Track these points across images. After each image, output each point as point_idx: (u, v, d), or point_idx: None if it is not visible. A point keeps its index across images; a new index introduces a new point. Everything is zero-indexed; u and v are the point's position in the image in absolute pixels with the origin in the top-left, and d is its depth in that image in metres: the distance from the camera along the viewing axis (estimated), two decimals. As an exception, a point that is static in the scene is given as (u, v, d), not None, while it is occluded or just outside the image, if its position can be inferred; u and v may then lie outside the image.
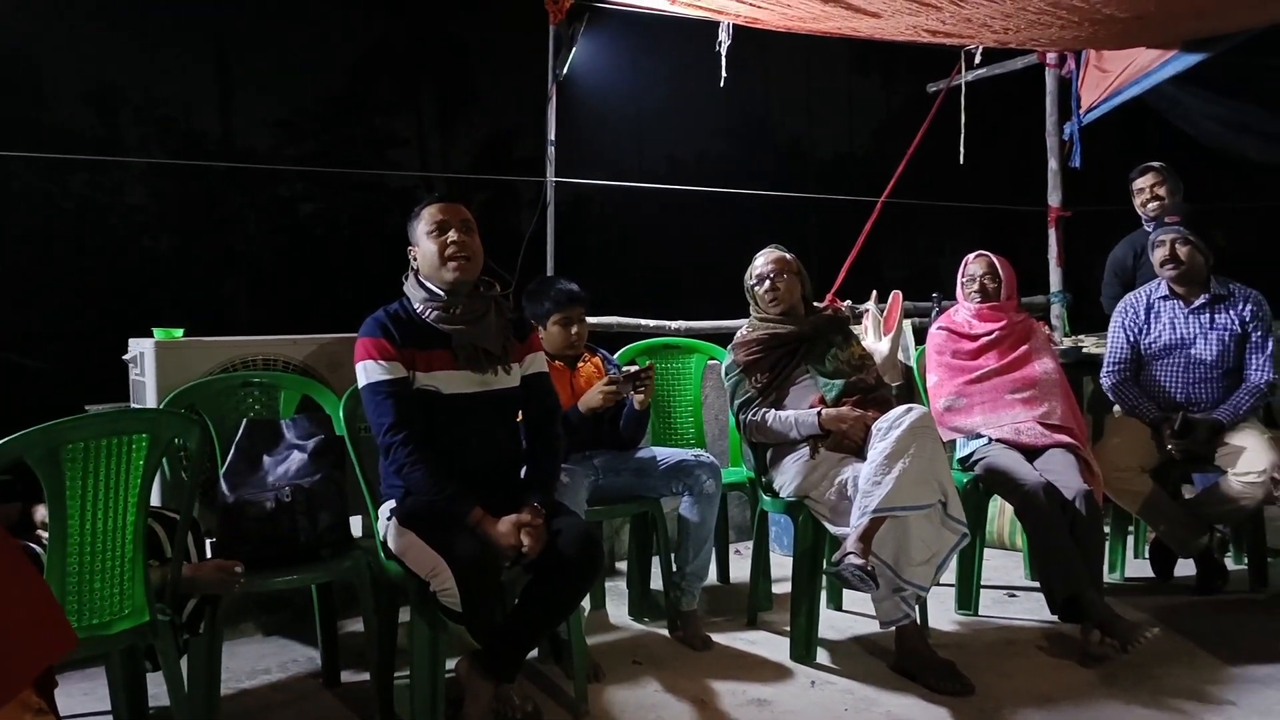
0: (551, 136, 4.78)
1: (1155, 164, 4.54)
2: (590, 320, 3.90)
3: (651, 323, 4.80)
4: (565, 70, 4.74)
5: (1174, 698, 2.90)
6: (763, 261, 3.48)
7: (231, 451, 2.86)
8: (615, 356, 3.77)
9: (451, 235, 2.78)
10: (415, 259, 2.86)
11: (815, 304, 3.59)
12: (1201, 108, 5.43)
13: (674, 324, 4.83)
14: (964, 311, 3.86)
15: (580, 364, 3.49)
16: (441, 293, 2.80)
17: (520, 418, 2.95)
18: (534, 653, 3.15)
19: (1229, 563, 3.99)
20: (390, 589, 2.87)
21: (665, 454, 3.47)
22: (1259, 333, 3.80)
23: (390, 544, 2.71)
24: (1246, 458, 3.58)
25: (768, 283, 3.44)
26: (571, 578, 2.64)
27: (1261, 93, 5.22)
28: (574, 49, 4.70)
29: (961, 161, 5.72)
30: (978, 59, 5.62)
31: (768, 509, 3.50)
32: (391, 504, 2.76)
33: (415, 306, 2.82)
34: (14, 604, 1.62)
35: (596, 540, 2.72)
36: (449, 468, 2.67)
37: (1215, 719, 2.78)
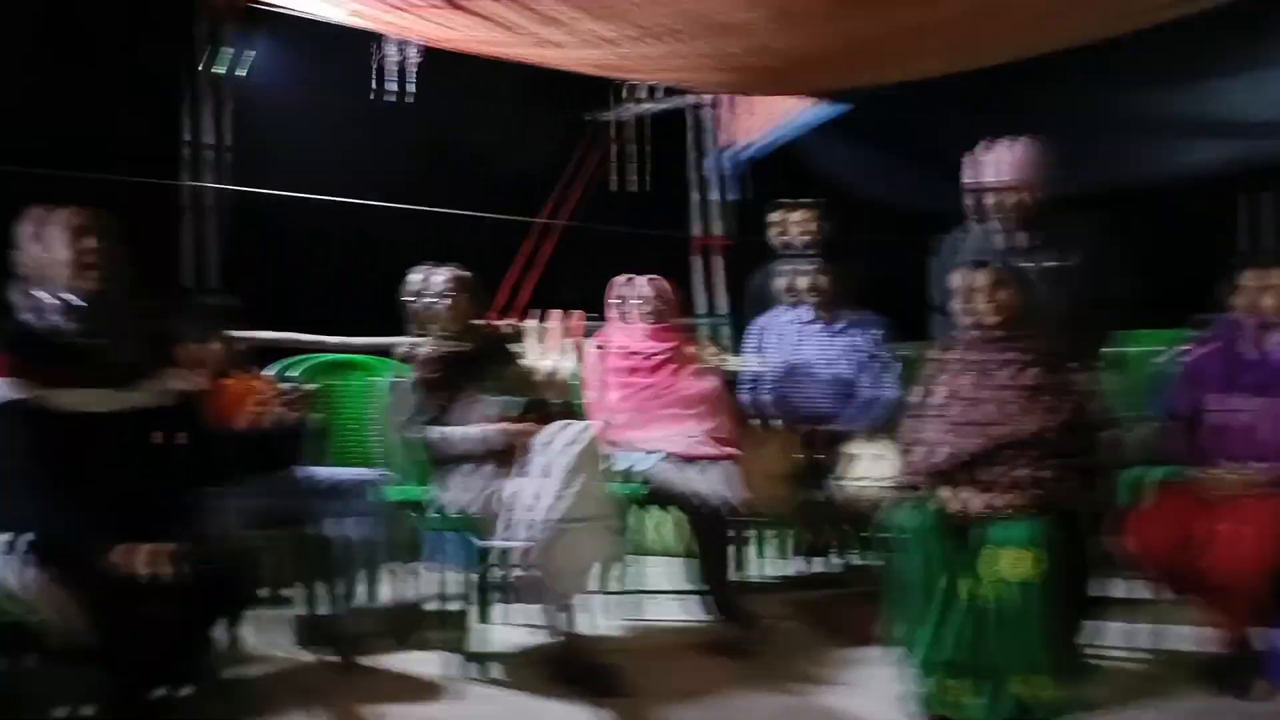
0: (211, 140, 4.52)
1: (790, 200, 4.92)
2: (252, 334, 3.73)
3: (314, 338, 4.63)
4: (233, 72, 4.49)
5: (800, 682, 3.21)
6: (438, 279, 3.49)
7: None
8: (275, 372, 3.62)
9: (87, 242, 2.57)
10: (30, 265, 2.60)
11: (487, 322, 3.64)
12: (839, 153, 5.97)
13: (340, 339, 4.68)
14: (630, 330, 4.05)
15: (233, 381, 3.31)
16: (70, 303, 2.57)
17: (164, 440, 2.75)
18: (191, 689, 2.94)
19: (857, 559, 4.44)
20: (11, 632, 2.57)
21: (328, 474, 3.38)
22: (881, 353, 4.27)
23: (10, 581, 2.43)
24: (862, 465, 4.01)
25: (446, 300, 3.45)
26: (217, 608, 2.51)
27: (889, 140, 5.82)
28: (242, 51, 4.47)
29: (638, 189, 6.04)
30: (636, 93, 5.96)
31: (435, 527, 3.48)
32: (7, 537, 2.47)
33: (39, 318, 2.57)
34: None
35: (244, 569, 2.60)
36: (77, 498, 2.46)
37: (829, 699, 3.11)
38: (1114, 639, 3.25)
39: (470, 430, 3.35)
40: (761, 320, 4.44)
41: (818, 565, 4.43)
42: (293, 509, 3.32)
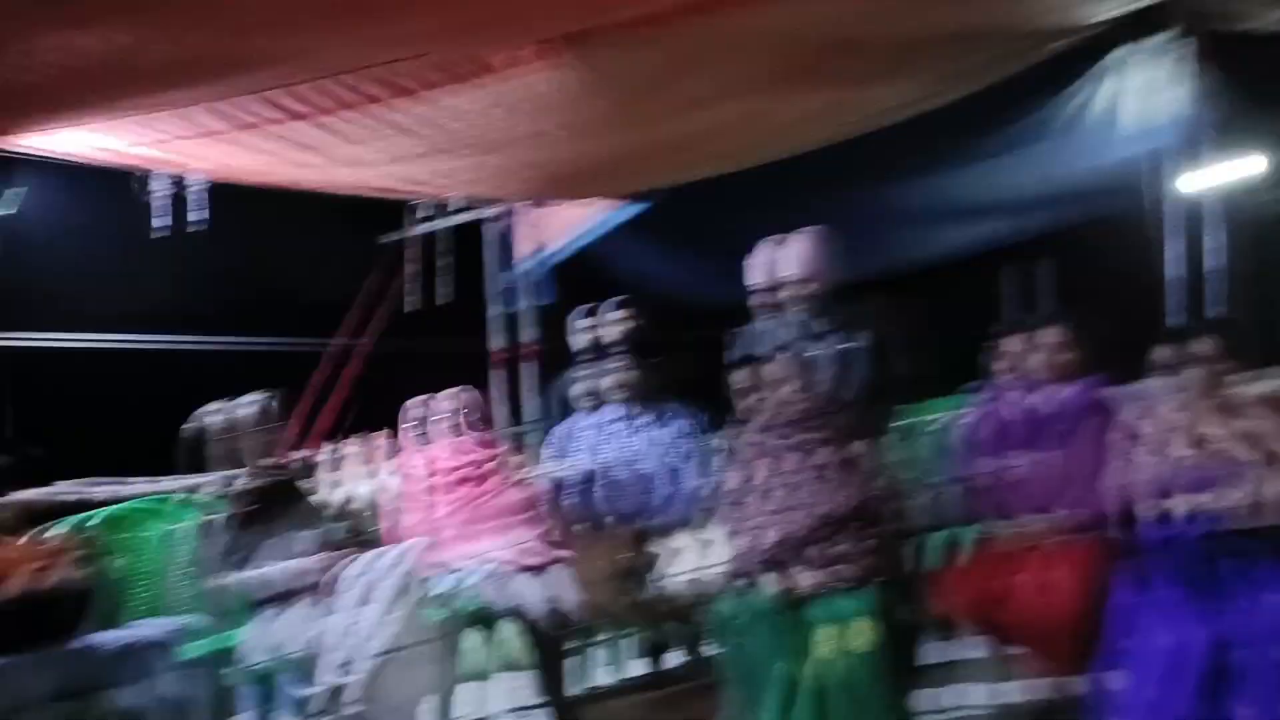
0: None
1: (592, 305, 4.81)
2: (36, 492, 3.46)
3: (104, 488, 4.31)
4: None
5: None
6: (244, 413, 3.37)
7: None
8: (67, 529, 3.35)
9: None
10: None
11: (276, 460, 3.50)
12: (640, 253, 5.99)
13: (134, 486, 4.38)
14: (436, 448, 3.98)
15: (4, 546, 3.04)
16: None
17: None
18: None
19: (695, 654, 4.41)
20: None
21: (116, 636, 3.12)
22: (692, 444, 4.32)
23: None
24: (682, 559, 4.03)
25: (255, 435, 3.32)
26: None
27: (688, 239, 5.85)
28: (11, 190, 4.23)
29: (435, 305, 5.98)
30: (428, 212, 5.97)
31: (243, 680, 3.24)
32: None
33: None
34: None
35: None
36: None
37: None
38: (948, 699, 3.33)
39: (289, 565, 3.18)
40: (563, 426, 4.43)
41: (664, 663, 4.37)
42: (82, 680, 3.03)
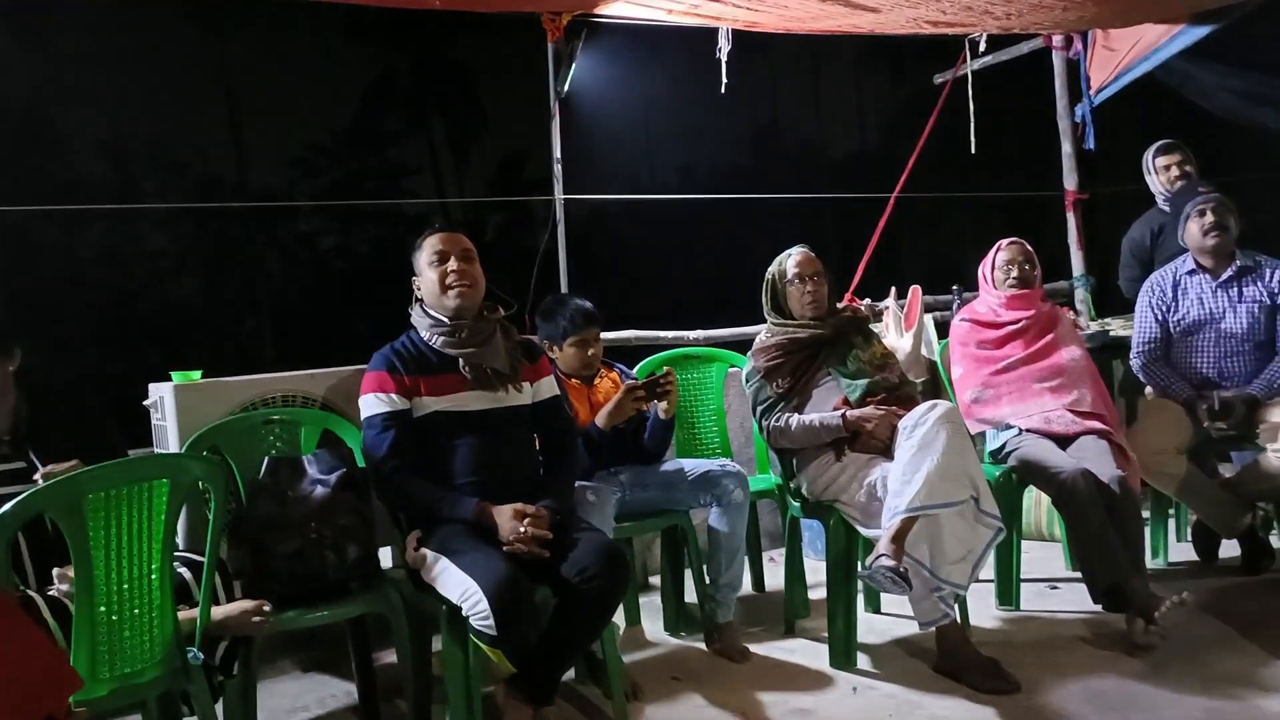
0: (557, 154, 4.77)
1: (1174, 140, 4.49)
2: (607, 335, 3.87)
3: (670, 334, 4.77)
4: (567, 87, 4.73)
5: (1225, 684, 2.83)
6: (794, 262, 3.42)
7: (256, 490, 2.85)
8: (635, 370, 3.74)
9: (451, 264, 2.87)
10: (419, 288, 2.94)
11: (835, 304, 3.54)
12: (1215, 80, 5.36)
13: (692, 334, 4.79)
14: (990, 300, 3.80)
15: (598, 380, 3.47)
16: (446, 319, 2.88)
17: (537, 440, 2.96)
18: (571, 674, 3.12)
19: (1274, 540, 3.92)
20: (422, 618, 2.85)
21: (692, 465, 3.44)
22: (1293, 301, 3.72)
23: (420, 572, 2.70)
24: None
25: (807, 283, 3.39)
26: (599, 594, 2.62)
27: (1275, 61, 5.15)
28: (574, 65, 4.68)
29: (973, 151, 5.66)
30: (983, 47, 5.56)
31: (797, 515, 3.46)
32: (419, 533, 2.75)
33: (423, 334, 2.91)
34: (14, 655, 1.64)
35: (622, 555, 2.70)
36: (443, 482, 2.75)
37: (1269, 703, 2.71)
38: None
39: (814, 417, 3.26)
40: (1153, 276, 3.99)
41: (1226, 550, 3.92)
42: (664, 500, 3.42)
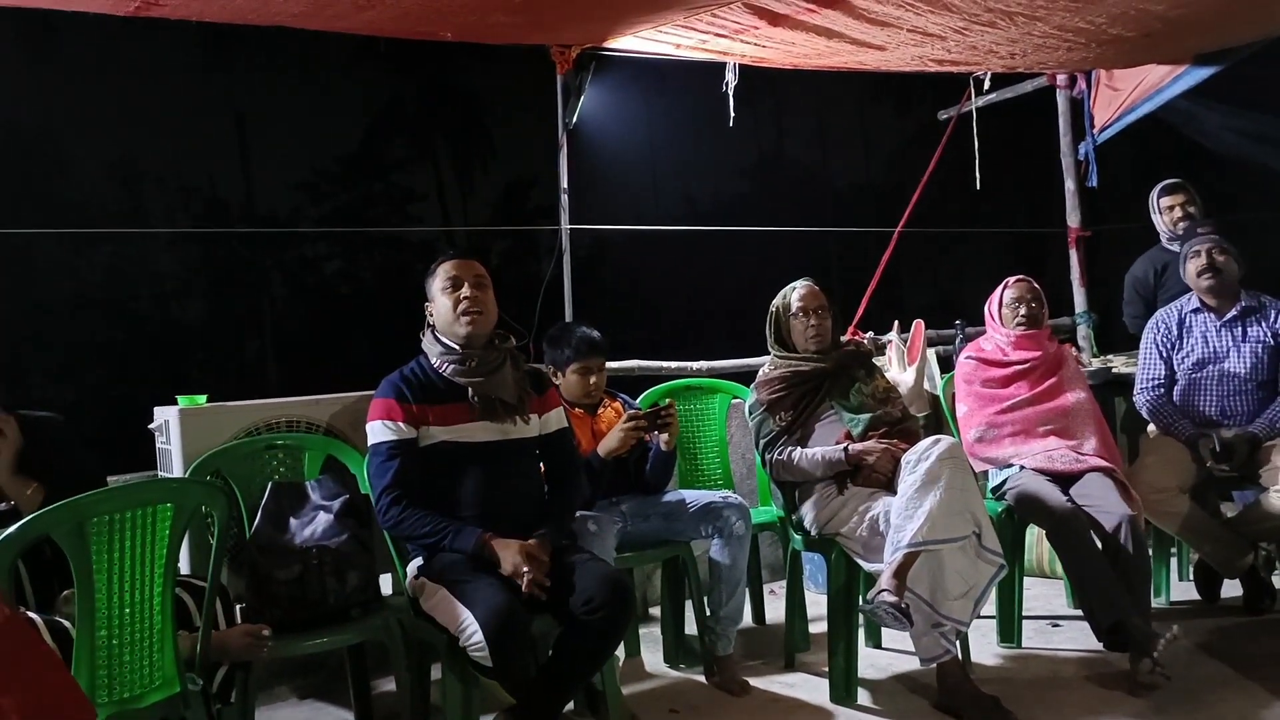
0: (564, 184, 4.79)
1: (1179, 180, 4.52)
2: (612, 365, 3.88)
3: (673, 364, 4.77)
4: (575, 118, 4.77)
5: (1225, 725, 2.81)
6: (798, 296, 3.43)
7: (258, 516, 2.85)
8: (638, 400, 3.75)
9: (465, 291, 2.85)
10: (431, 314, 2.93)
11: (839, 338, 3.56)
12: (1219, 120, 5.39)
13: (695, 365, 4.80)
14: (997, 339, 3.80)
15: (600, 410, 3.47)
16: (457, 347, 2.86)
17: (542, 470, 2.96)
18: (570, 705, 3.10)
19: (1277, 581, 3.90)
20: (421, 647, 2.85)
21: (693, 496, 3.44)
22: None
23: (419, 601, 2.69)
24: (1289, 472, 3.51)
25: (811, 317, 3.39)
26: (603, 625, 2.61)
27: (1277, 102, 5.18)
28: (583, 97, 4.72)
29: (977, 187, 5.69)
30: (987, 84, 5.60)
31: (799, 548, 3.45)
32: (419, 561, 2.75)
33: (433, 361, 2.89)
34: (30, 681, 1.63)
35: (626, 586, 2.70)
36: (447, 512, 2.73)
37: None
38: None
39: (816, 451, 3.27)
40: (1159, 314, 4.00)
41: (1227, 590, 3.90)
42: (665, 531, 3.42)
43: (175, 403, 3.19)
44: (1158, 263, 4.53)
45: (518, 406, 2.87)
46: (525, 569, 2.59)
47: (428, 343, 2.92)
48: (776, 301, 3.49)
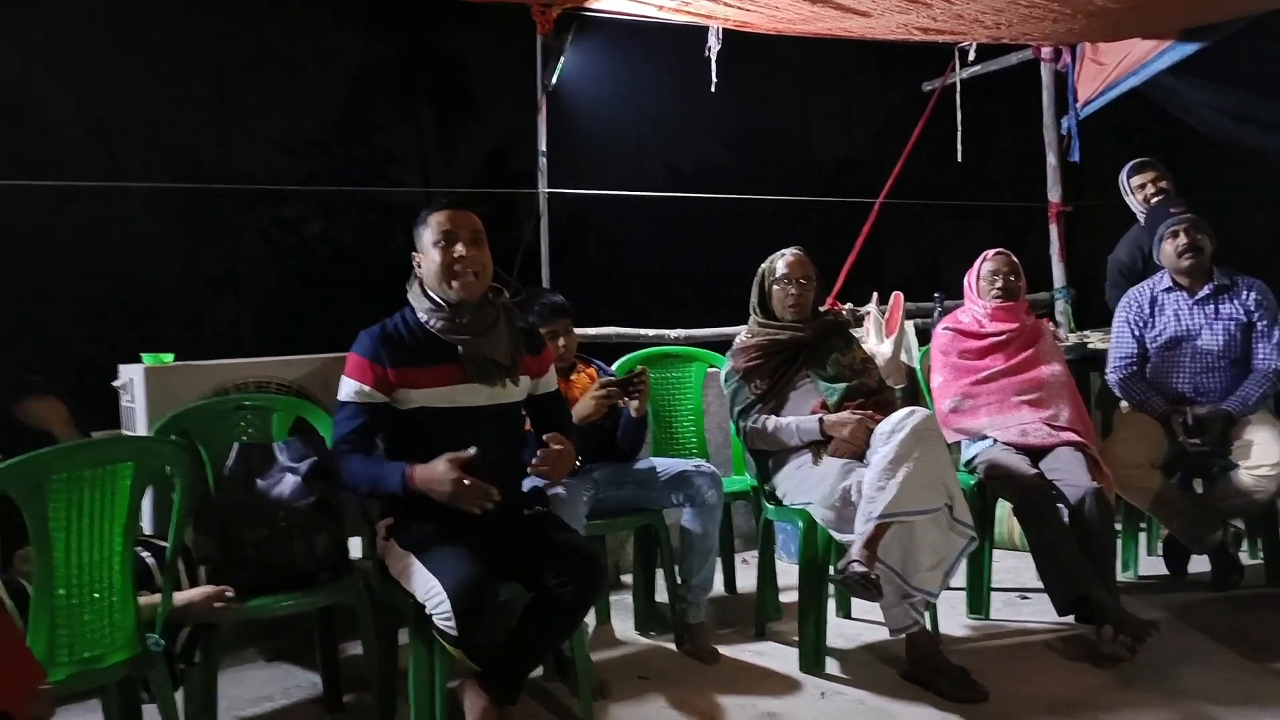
0: (543, 147, 4.73)
1: (1147, 159, 4.50)
2: (589, 331, 3.85)
3: (650, 332, 4.75)
4: (555, 80, 4.70)
5: (1192, 699, 2.84)
6: (784, 263, 3.41)
7: (225, 476, 2.81)
8: (614, 366, 3.73)
9: (459, 249, 2.66)
10: (419, 265, 2.73)
11: (818, 308, 3.54)
12: (1201, 98, 5.38)
13: (673, 333, 4.78)
14: (974, 310, 3.80)
15: (574, 375, 3.44)
16: (446, 303, 2.70)
17: (529, 427, 2.90)
18: (538, 670, 3.10)
19: (1244, 557, 3.94)
20: (389, 611, 2.82)
21: (666, 464, 3.42)
22: (1264, 321, 3.75)
23: (387, 566, 2.66)
24: (1258, 450, 3.53)
25: (792, 285, 3.38)
26: (572, 598, 2.57)
27: (1261, 80, 5.17)
28: (563, 59, 4.65)
29: (959, 160, 5.67)
30: (972, 56, 5.57)
31: (772, 517, 3.45)
32: (389, 522, 2.71)
33: (420, 316, 2.71)
34: None
35: (598, 560, 2.66)
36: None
37: (1235, 718, 2.72)
38: None
39: (791, 420, 3.26)
40: (1131, 292, 4.00)
41: (1195, 565, 3.94)
42: (637, 498, 3.40)
43: (140, 361, 3.14)
44: (1144, 245, 4.51)
45: (510, 367, 2.71)
46: (465, 481, 2.46)
47: (414, 295, 2.73)
48: (764, 266, 3.48)
